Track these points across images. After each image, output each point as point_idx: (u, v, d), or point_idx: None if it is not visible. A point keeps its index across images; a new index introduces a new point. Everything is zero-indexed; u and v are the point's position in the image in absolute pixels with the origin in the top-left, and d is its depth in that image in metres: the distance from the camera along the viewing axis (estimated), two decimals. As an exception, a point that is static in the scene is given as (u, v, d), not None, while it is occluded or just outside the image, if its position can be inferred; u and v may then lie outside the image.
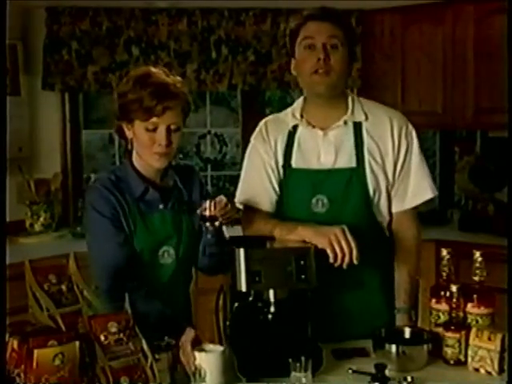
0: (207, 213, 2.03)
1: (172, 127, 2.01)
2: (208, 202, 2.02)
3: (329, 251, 1.90)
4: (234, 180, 5.45)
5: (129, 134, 2.07)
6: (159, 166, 2.08)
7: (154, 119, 1.99)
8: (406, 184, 2.17)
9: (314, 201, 2.11)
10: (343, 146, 2.14)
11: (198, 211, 2.06)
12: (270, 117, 2.32)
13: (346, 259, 1.90)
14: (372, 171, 2.11)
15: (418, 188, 2.18)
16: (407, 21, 4.35)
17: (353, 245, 1.90)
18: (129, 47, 4.29)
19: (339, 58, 2.08)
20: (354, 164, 2.12)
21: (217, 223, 2.04)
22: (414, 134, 2.19)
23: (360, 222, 2.05)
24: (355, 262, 1.90)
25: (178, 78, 2.10)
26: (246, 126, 4.54)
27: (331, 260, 1.90)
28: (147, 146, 2.03)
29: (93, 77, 4.25)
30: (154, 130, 2.00)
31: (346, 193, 2.10)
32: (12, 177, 3.74)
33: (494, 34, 3.95)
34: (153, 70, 2.07)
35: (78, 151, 4.53)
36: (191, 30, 4.32)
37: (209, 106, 5.02)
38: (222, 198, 2.04)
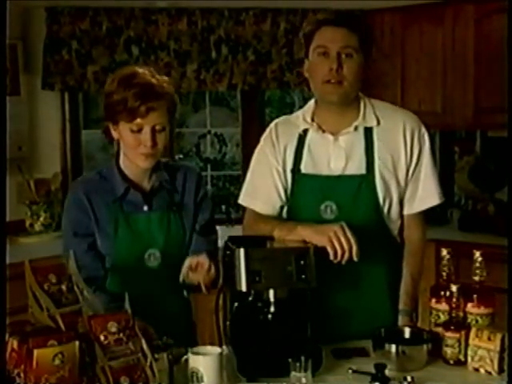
0: (188, 279, 1.97)
1: (157, 128, 1.99)
2: (188, 266, 1.96)
3: (329, 248, 1.89)
4: (234, 180, 5.47)
5: (115, 134, 2.05)
6: (146, 166, 2.06)
7: (139, 120, 1.97)
8: (416, 188, 2.16)
9: (322, 207, 2.10)
10: (354, 151, 2.11)
11: (181, 278, 2.00)
12: (281, 119, 2.28)
13: (346, 256, 1.89)
14: (382, 178, 2.09)
15: (425, 193, 2.16)
16: (407, 21, 4.35)
17: (352, 241, 1.89)
18: (129, 47, 4.29)
19: (353, 66, 2.04)
20: (363, 171, 2.09)
21: (203, 290, 1.97)
22: (426, 136, 2.16)
23: (369, 228, 2.03)
24: (355, 258, 1.89)
25: (164, 78, 2.07)
26: (246, 126, 4.54)
27: (331, 257, 1.90)
28: (133, 147, 2.02)
29: (93, 77, 4.25)
30: (139, 131, 1.98)
31: (356, 200, 2.08)
32: (12, 177, 3.75)
33: (493, 34, 3.96)
34: (138, 70, 2.03)
35: (77, 151, 4.53)
36: (191, 29, 4.32)
37: (209, 105, 5.03)
38: (204, 262, 1.97)
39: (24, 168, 4.06)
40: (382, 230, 2.14)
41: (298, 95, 5.70)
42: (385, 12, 4.38)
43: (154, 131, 1.99)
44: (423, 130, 2.17)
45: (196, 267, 1.97)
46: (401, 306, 2.15)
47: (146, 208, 2.09)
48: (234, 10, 4.34)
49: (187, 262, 1.99)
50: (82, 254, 1.99)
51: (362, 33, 2.08)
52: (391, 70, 4.38)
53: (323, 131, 2.14)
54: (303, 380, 1.65)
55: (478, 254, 1.94)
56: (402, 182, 2.14)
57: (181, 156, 5.40)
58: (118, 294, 1.85)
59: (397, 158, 2.12)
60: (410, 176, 2.14)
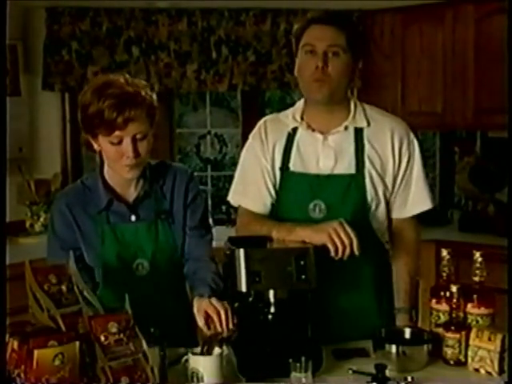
0: (214, 337, 1.82)
1: (138, 136, 1.93)
2: (203, 320, 1.87)
3: (329, 245, 1.89)
4: (234, 180, 5.46)
5: (96, 147, 1.99)
6: (130, 177, 2.01)
7: (117, 132, 1.90)
8: (406, 194, 2.16)
9: (311, 206, 2.09)
10: (343, 151, 2.11)
11: (204, 330, 1.86)
12: (270, 116, 2.29)
13: (347, 251, 1.89)
14: (371, 179, 2.09)
15: (417, 198, 2.17)
16: (407, 21, 4.35)
17: (352, 236, 1.89)
18: (129, 47, 4.29)
19: (339, 64, 2.03)
20: (353, 171, 2.09)
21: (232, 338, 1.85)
22: (416, 144, 2.16)
23: (357, 228, 1.98)
24: (356, 252, 1.89)
25: (142, 83, 2.00)
26: (246, 127, 4.53)
27: (332, 254, 1.89)
28: (115, 160, 1.96)
29: (93, 77, 4.24)
30: (119, 142, 1.92)
31: (345, 199, 2.08)
32: (12, 177, 3.74)
33: (494, 34, 3.96)
34: (112, 78, 1.96)
35: (77, 151, 4.52)
36: (191, 30, 4.33)
37: (209, 106, 5.03)
38: (220, 309, 1.86)
39: (24, 168, 4.06)
40: (368, 231, 2.13)
41: (298, 96, 5.69)
42: (385, 12, 4.38)
43: (134, 141, 1.92)
44: (412, 137, 2.16)
45: (209, 317, 1.88)
46: (400, 304, 2.16)
47: (133, 218, 2.06)
48: (234, 11, 4.34)
49: (197, 313, 1.90)
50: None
51: (351, 32, 2.06)
52: (391, 70, 4.38)
53: (312, 130, 2.13)
54: (303, 380, 1.65)
55: (478, 254, 1.94)
56: (389, 187, 2.14)
57: (179, 156, 5.40)
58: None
59: (385, 163, 2.12)
60: (398, 183, 2.14)
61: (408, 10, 4.29)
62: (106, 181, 2.06)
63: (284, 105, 5.85)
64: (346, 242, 1.89)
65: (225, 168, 5.34)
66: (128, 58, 4.29)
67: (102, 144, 1.96)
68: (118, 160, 1.96)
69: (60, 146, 4.42)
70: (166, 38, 4.31)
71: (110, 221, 2.05)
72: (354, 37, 2.07)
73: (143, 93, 1.95)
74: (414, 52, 4.34)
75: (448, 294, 1.95)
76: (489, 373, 1.83)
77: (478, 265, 1.93)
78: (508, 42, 3.39)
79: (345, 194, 2.09)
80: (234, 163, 5.40)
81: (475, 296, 1.92)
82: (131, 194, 2.08)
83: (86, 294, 1.70)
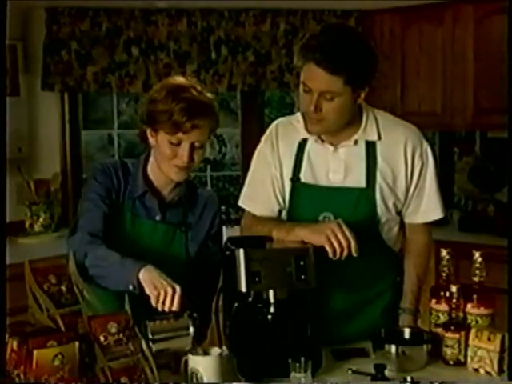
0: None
1: (196, 144, 1.98)
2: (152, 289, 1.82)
3: (327, 247, 1.88)
4: (234, 180, 5.47)
5: (152, 140, 2.03)
6: (177, 179, 2.05)
7: (180, 135, 1.96)
8: (419, 203, 2.15)
9: (321, 218, 2.07)
10: (354, 164, 2.08)
11: None
12: (282, 120, 2.23)
13: (345, 252, 1.88)
14: (381, 193, 2.07)
15: (429, 207, 2.17)
16: (407, 21, 4.35)
17: (350, 237, 1.88)
18: (128, 47, 4.29)
19: (334, 107, 1.96)
20: (363, 184, 2.07)
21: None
22: (429, 152, 2.13)
23: (366, 240, 1.96)
24: (354, 254, 1.88)
25: (210, 95, 2.05)
26: (246, 127, 4.54)
27: (330, 255, 1.89)
28: (168, 159, 2.00)
29: (92, 77, 4.25)
30: (178, 144, 1.97)
31: (354, 212, 2.06)
32: (12, 177, 3.75)
33: (493, 34, 3.96)
34: (187, 83, 2.02)
35: (77, 152, 4.53)
36: (191, 30, 4.33)
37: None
38: (172, 287, 1.83)
39: (23, 169, 4.06)
40: (378, 241, 2.13)
41: (297, 96, 5.69)
42: (384, 12, 4.38)
43: (192, 147, 1.98)
44: (425, 145, 2.13)
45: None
46: (406, 305, 2.15)
47: (158, 217, 2.07)
48: (233, 11, 4.34)
49: (145, 282, 1.85)
50: (98, 216, 2.01)
51: (352, 71, 1.93)
52: (391, 70, 4.38)
53: (322, 141, 2.10)
54: (303, 380, 1.65)
55: (477, 254, 1.94)
56: (402, 198, 2.12)
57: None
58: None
59: (397, 175, 2.10)
60: (411, 192, 2.13)
61: (407, 10, 4.29)
62: (146, 173, 2.10)
63: (283, 105, 5.86)
64: (344, 243, 1.88)
65: (224, 168, 5.34)
66: (128, 58, 4.28)
67: (161, 140, 2.00)
68: (171, 159, 2.00)
69: (60, 146, 4.42)
70: (165, 38, 4.31)
71: (137, 209, 2.06)
72: (356, 74, 1.96)
73: (213, 105, 2.02)
74: (414, 52, 4.34)
75: (448, 294, 1.95)
76: (488, 373, 1.83)
77: (477, 265, 1.93)
78: (508, 41, 3.39)
79: (354, 207, 2.07)
80: (233, 163, 5.40)
81: (475, 296, 1.92)
82: (166, 195, 2.10)
83: (85, 293, 1.71)
